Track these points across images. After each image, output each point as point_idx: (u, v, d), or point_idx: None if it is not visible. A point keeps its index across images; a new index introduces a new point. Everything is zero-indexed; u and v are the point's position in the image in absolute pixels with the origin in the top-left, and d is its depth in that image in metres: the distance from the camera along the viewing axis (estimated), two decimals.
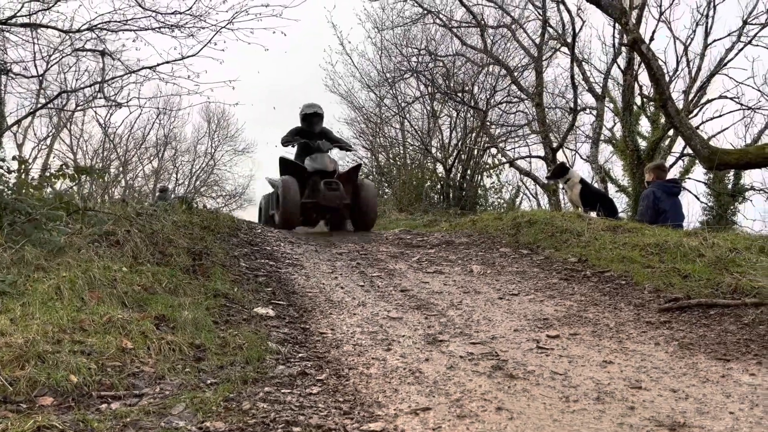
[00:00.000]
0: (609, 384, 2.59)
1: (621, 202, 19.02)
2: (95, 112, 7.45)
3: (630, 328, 3.50)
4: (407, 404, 2.36)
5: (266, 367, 2.72)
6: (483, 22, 16.36)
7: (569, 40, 14.67)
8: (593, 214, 8.44)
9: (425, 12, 16.12)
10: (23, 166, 5.83)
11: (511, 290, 4.50)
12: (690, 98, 16.00)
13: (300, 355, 2.99)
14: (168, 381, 2.45)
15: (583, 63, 16.07)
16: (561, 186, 11.61)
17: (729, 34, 15.48)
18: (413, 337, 3.33)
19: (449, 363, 2.87)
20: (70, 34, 8.20)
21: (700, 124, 15.98)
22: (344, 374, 2.71)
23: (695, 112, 16.35)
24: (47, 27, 8.45)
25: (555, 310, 3.91)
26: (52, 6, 8.07)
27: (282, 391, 2.45)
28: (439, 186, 15.25)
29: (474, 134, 16.23)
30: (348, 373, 2.73)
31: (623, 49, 14.72)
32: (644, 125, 17.43)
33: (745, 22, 15.01)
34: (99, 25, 7.76)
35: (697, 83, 15.98)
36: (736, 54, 15.27)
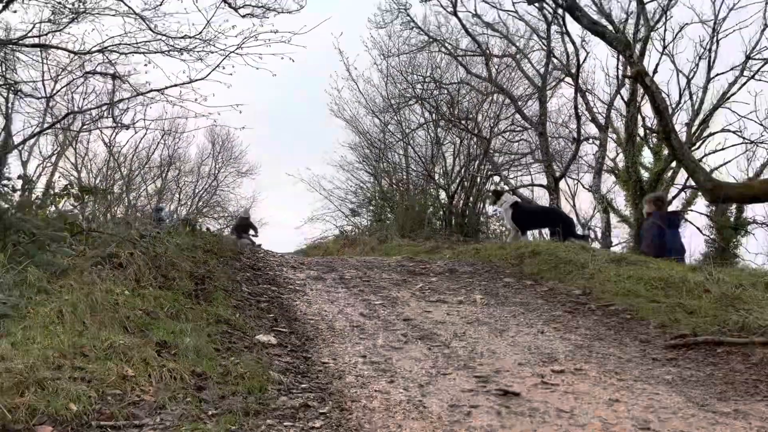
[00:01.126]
0: (617, 424, 2.54)
1: (623, 232, 19.02)
2: (101, 131, 7.42)
3: (637, 364, 3.46)
4: None
5: (268, 398, 2.68)
6: (488, 51, 16.52)
7: (573, 70, 14.79)
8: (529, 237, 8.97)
9: (431, 40, 16.27)
10: (28, 186, 5.84)
11: (515, 322, 4.46)
12: (693, 131, 16.06)
13: (302, 385, 2.95)
14: (169, 411, 2.41)
15: (587, 93, 16.14)
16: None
17: (732, 68, 15.59)
18: (416, 370, 3.29)
19: (454, 398, 2.82)
20: (80, 56, 8.27)
21: (703, 157, 16.03)
22: (347, 407, 2.67)
23: (698, 144, 16.41)
24: (57, 48, 8.54)
25: (560, 344, 3.87)
26: (63, 28, 8.17)
27: (284, 424, 2.41)
28: (441, 212, 15.23)
29: (477, 162, 16.27)
30: (351, 406, 2.69)
31: (627, 81, 14.82)
32: (647, 156, 17.48)
33: (748, 57, 15.14)
34: (109, 48, 7.83)
35: (700, 116, 16.06)
36: (739, 88, 15.37)
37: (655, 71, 14.83)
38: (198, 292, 4.21)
